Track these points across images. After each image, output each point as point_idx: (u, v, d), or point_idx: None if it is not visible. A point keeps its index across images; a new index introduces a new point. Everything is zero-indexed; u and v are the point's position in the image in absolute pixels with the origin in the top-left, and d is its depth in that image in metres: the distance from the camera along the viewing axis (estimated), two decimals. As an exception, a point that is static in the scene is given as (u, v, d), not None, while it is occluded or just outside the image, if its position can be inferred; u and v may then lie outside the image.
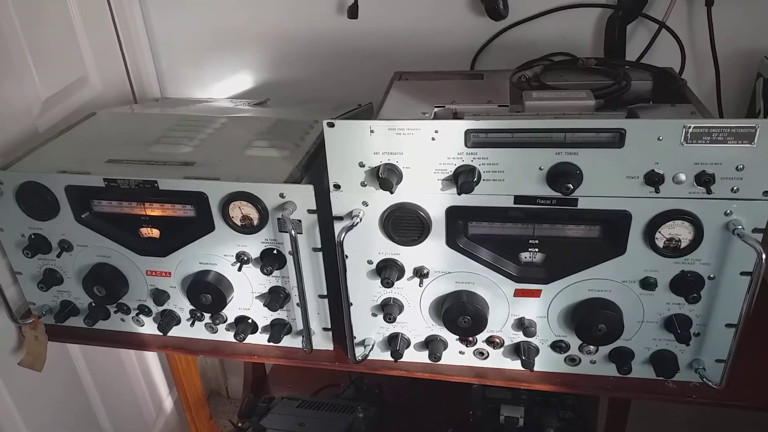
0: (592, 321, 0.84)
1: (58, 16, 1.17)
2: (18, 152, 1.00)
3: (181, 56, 1.39)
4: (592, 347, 0.89)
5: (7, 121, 1.04)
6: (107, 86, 1.31)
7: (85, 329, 1.04)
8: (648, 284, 0.82)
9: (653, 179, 0.74)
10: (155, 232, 0.93)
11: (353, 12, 1.22)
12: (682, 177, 0.74)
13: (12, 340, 1.07)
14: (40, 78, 1.11)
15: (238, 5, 1.30)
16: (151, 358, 1.62)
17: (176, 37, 1.37)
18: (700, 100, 0.87)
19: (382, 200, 0.82)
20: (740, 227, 0.75)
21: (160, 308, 1.00)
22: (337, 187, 0.82)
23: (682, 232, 0.77)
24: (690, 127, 0.71)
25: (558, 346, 0.90)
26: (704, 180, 0.73)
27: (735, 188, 0.74)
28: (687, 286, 0.81)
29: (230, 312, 0.98)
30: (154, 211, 0.91)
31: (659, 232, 0.78)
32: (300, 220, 0.86)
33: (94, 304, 1.02)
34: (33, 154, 1.00)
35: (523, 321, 0.89)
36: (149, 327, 1.03)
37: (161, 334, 1.00)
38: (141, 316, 1.02)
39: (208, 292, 0.93)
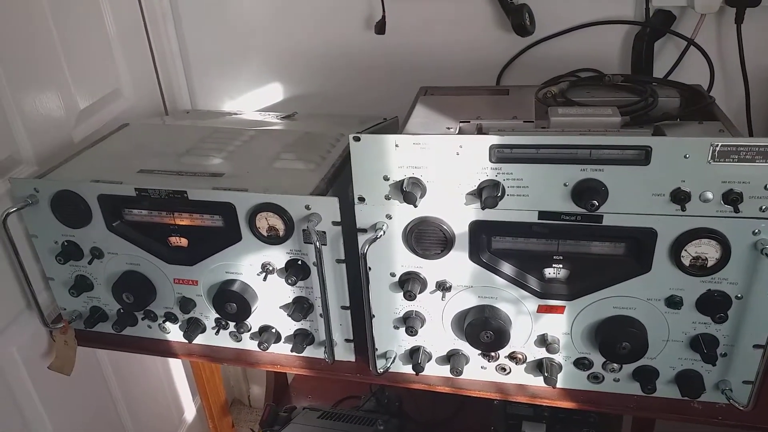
0: (617, 339, 0.83)
1: (94, 31, 1.21)
2: (54, 161, 1.04)
3: (212, 70, 1.42)
4: (615, 365, 0.88)
5: (45, 131, 1.08)
6: (140, 98, 1.35)
7: (113, 335, 1.06)
8: (673, 303, 0.81)
9: (679, 197, 0.73)
10: (183, 242, 0.95)
11: (381, 28, 1.24)
12: (709, 195, 0.73)
13: (43, 344, 1.10)
14: (76, 90, 1.15)
15: (268, 21, 1.33)
16: (176, 365, 1.64)
17: (207, 52, 1.41)
18: (728, 118, 0.87)
19: (405, 213, 0.82)
20: (769, 247, 0.74)
21: (187, 316, 1.02)
22: (361, 199, 0.83)
23: (708, 250, 0.77)
24: (717, 145, 0.70)
25: (581, 364, 0.89)
26: (732, 198, 0.72)
27: (764, 207, 0.73)
28: (713, 305, 0.80)
29: (254, 321, 0.99)
30: (183, 220, 0.93)
31: (685, 250, 0.77)
32: (324, 232, 0.87)
33: (122, 311, 1.04)
34: (68, 163, 1.03)
35: (546, 337, 0.88)
36: (175, 334, 1.05)
37: (186, 341, 1.02)
38: (167, 323, 1.04)
39: (233, 301, 0.94)
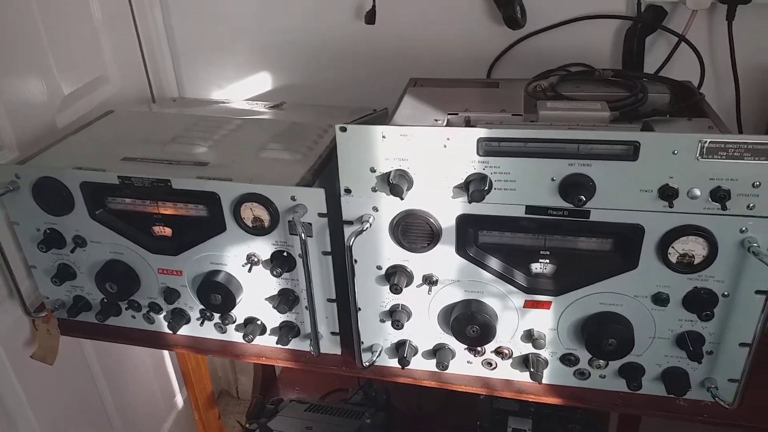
0: (603, 335, 0.83)
1: (80, 15, 1.19)
2: (36, 147, 1.02)
3: (200, 57, 1.41)
4: (602, 361, 0.88)
5: (28, 116, 1.06)
6: (126, 85, 1.33)
7: (96, 325, 1.05)
8: (660, 300, 0.81)
9: (667, 193, 0.73)
10: (167, 231, 0.94)
11: (371, 17, 1.22)
12: (697, 192, 0.73)
13: (25, 333, 1.08)
14: (60, 75, 1.13)
15: (257, 9, 1.31)
16: (163, 355, 1.63)
17: (195, 39, 1.39)
18: (718, 114, 0.86)
19: (392, 206, 0.82)
20: (756, 245, 0.74)
21: (171, 306, 1.01)
22: (347, 191, 0.82)
23: (695, 248, 0.76)
24: (706, 141, 0.70)
25: (567, 360, 0.89)
26: (719, 196, 0.72)
27: (751, 205, 0.73)
28: (700, 303, 0.80)
29: (239, 313, 0.98)
30: (167, 209, 0.92)
31: (672, 247, 0.77)
32: (310, 224, 0.86)
33: (105, 300, 1.03)
34: (51, 149, 1.01)
35: (533, 333, 0.88)
36: (159, 325, 1.04)
37: (171, 332, 1.01)
38: (152, 313, 1.02)
39: (217, 292, 0.93)
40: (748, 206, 0.73)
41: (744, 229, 0.74)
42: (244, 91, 1.42)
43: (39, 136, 1.08)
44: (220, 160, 0.96)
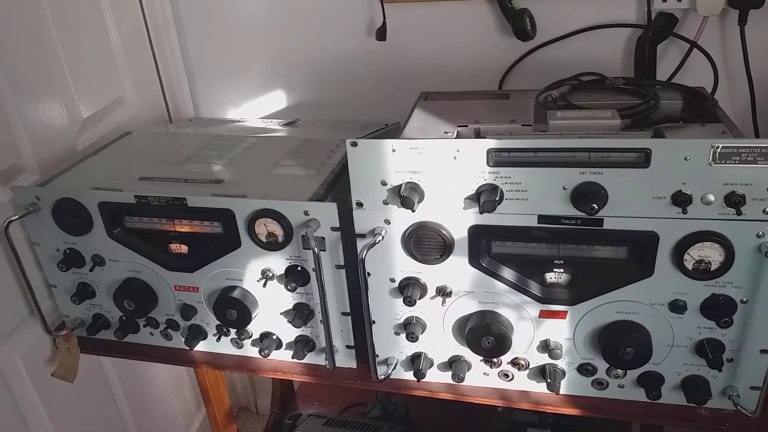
0: (620, 344, 0.82)
1: (98, 40, 1.22)
2: (56, 170, 1.04)
3: (215, 78, 1.43)
4: (620, 371, 0.87)
5: (48, 139, 1.09)
6: (144, 107, 1.36)
7: (115, 342, 1.06)
8: (677, 307, 0.80)
9: (681, 200, 0.72)
10: (184, 248, 0.95)
11: (381, 34, 1.24)
12: (711, 198, 0.72)
13: (46, 352, 1.10)
14: (79, 98, 1.15)
15: (270, 29, 1.34)
16: (182, 371, 1.64)
17: (210, 60, 1.41)
18: (731, 119, 0.85)
19: (404, 218, 0.82)
20: (773, 250, 0.73)
21: (188, 323, 1.02)
22: (359, 205, 0.82)
23: (711, 254, 0.75)
24: (718, 147, 0.69)
25: (585, 370, 0.88)
26: (734, 201, 0.71)
27: (767, 209, 0.72)
28: (718, 309, 0.79)
29: (255, 328, 0.99)
30: (183, 227, 0.93)
31: (688, 253, 0.76)
32: (324, 238, 0.87)
33: (124, 318, 1.04)
34: (70, 171, 1.04)
35: (549, 343, 0.87)
36: (177, 341, 1.05)
37: (188, 348, 1.02)
38: (169, 330, 1.04)
39: (233, 308, 0.94)
40: (764, 210, 0.72)
41: (761, 233, 0.73)
42: (259, 109, 1.44)
43: (59, 159, 1.10)
44: (235, 178, 0.98)
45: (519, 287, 0.84)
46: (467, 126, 0.87)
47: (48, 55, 1.08)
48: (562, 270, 0.83)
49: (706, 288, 0.78)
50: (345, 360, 0.98)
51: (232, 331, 1.00)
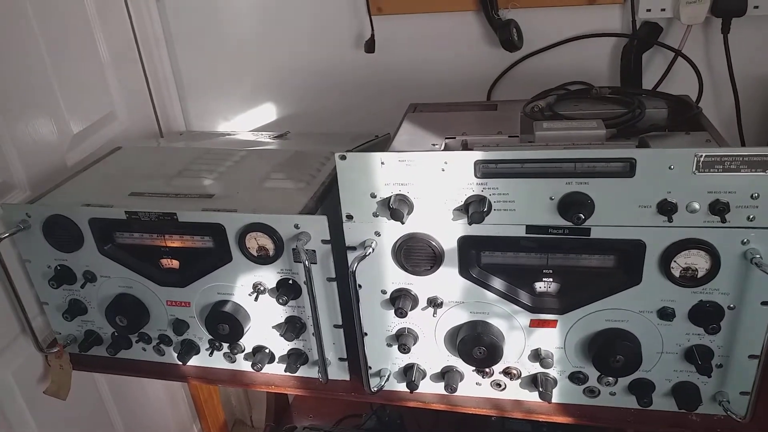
0: (610, 352, 0.82)
1: (87, 55, 1.22)
2: (47, 186, 1.04)
3: (206, 91, 1.44)
4: (611, 378, 0.88)
5: (38, 156, 1.09)
6: (134, 121, 1.36)
7: (107, 358, 1.06)
8: (666, 314, 0.81)
9: (666, 208, 0.73)
10: (175, 263, 0.95)
11: (370, 46, 1.25)
12: (696, 206, 0.73)
13: (38, 369, 1.10)
14: (69, 114, 1.15)
15: (259, 42, 1.34)
16: (176, 386, 1.63)
17: (201, 73, 1.42)
18: (715, 127, 0.87)
19: (394, 230, 0.82)
20: (758, 256, 0.74)
21: (180, 338, 1.02)
22: (349, 217, 0.83)
23: (698, 261, 0.76)
24: (701, 155, 0.70)
25: (576, 378, 0.89)
26: (719, 209, 0.72)
27: (751, 216, 0.73)
28: (706, 316, 0.79)
29: (248, 342, 0.99)
30: (174, 242, 0.93)
31: (675, 261, 0.77)
32: (314, 251, 0.87)
33: (116, 334, 1.04)
34: (60, 188, 1.04)
35: (540, 352, 0.88)
36: (169, 356, 1.04)
37: (181, 363, 1.02)
38: (162, 345, 1.03)
39: (225, 322, 0.94)
40: (748, 218, 0.73)
41: (746, 240, 0.74)
42: (249, 122, 1.44)
43: (49, 175, 1.10)
44: (225, 192, 0.98)
45: (509, 297, 0.85)
46: (455, 138, 0.88)
47: (37, 71, 1.09)
48: (551, 279, 0.83)
49: (693, 295, 0.79)
50: (338, 372, 0.98)
51: (225, 345, 1.00)
